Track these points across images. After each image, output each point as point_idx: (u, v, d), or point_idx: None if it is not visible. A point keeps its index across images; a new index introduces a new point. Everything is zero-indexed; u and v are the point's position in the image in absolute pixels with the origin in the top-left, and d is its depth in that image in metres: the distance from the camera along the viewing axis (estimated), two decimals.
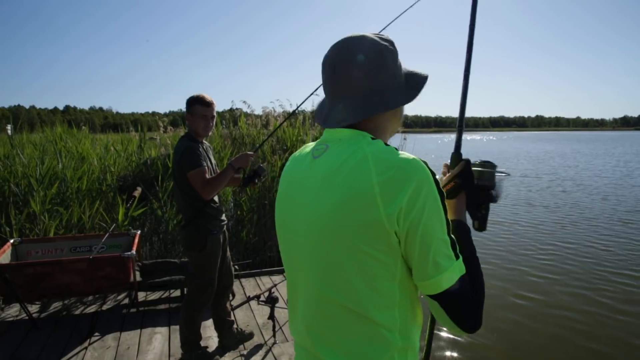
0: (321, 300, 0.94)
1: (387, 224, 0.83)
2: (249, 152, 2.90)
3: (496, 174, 1.14)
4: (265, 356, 3.21)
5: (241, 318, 3.85)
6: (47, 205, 4.89)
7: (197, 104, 2.78)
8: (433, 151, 31.74)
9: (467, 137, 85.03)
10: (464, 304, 0.86)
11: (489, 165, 1.14)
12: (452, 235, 0.87)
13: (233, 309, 3.93)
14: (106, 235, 4.21)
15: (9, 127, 8.18)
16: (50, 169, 5.26)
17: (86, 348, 3.33)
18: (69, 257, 4.09)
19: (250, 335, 3.45)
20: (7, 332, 3.58)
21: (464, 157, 1.13)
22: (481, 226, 1.19)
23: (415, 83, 0.98)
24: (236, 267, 4.70)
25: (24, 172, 5.17)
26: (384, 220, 0.83)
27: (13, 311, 3.94)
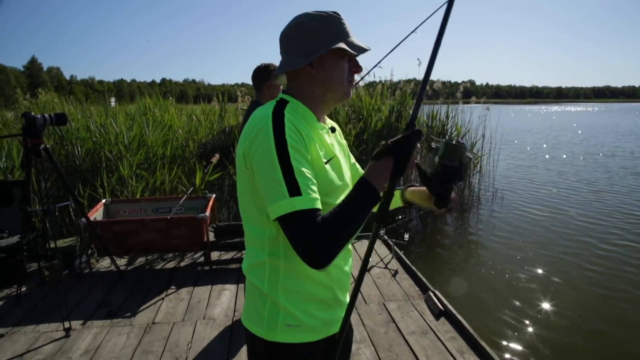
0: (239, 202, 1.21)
1: (243, 160, 1.09)
2: None
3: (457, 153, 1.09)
4: None
5: None
6: (135, 169, 5.33)
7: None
8: (511, 124, 29.64)
9: (566, 108, 78.05)
10: (298, 235, 0.98)
11: (456, 145, 1.08)
12: (299, 177, 1.00)
13: None
14: (183, 198, 4.50)
15: (112, 99, 8.98)
16: (136, 136, 5.69)
17: (163, 299, 3.64)
18: (151, 216, 4.44)
19: None
20: (99, 281, 4.02)
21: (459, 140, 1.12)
22: (439, 203, 1.16)
23: (311, 52, 1.13)
24: None
25: (116, 139, 5.65)
26: (241, 157, 1.10)
27: (105, 263, 4.39)
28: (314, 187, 1.03)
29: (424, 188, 1.33)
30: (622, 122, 34.40)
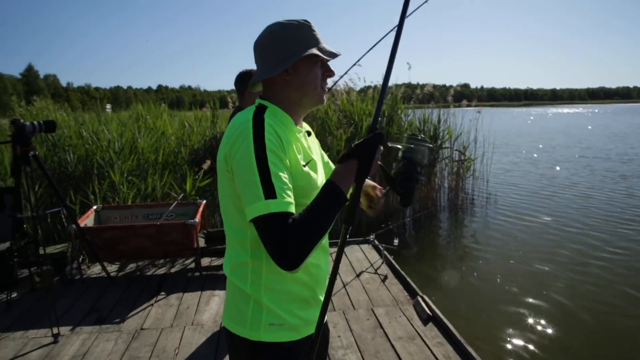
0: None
1: (224, 163, 1.13)
2: None
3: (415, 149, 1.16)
4: None
5: None
6: (126, 176, 5.35)
7: None
8: (505, 126, 29.74)
9: (561, 110, 78.36)
10: (270, 237, 1.01)
11: (417, 140, 1.14)
12: (275, 180, 1.04)
13: None
14: (174, 204, 4.53)
15: (108, 106, 9.00)
16: (127, 143, 5.72)
17: (152, 305, 3.65)
18: (141, 223, 4.46)
19: None
20: (90, 287, 4.03)
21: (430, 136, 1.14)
22: (402, 202, 1.20)
23: (286, 59, 1.17)
24: None
25: (107, 146, 5.68)
26: (222, 160, 1.14)
27: (96, 269, 4.40)
28: (289, 192, 1.07)
29: (365, 185, 1.39)
30: (614, 123, 34.66)
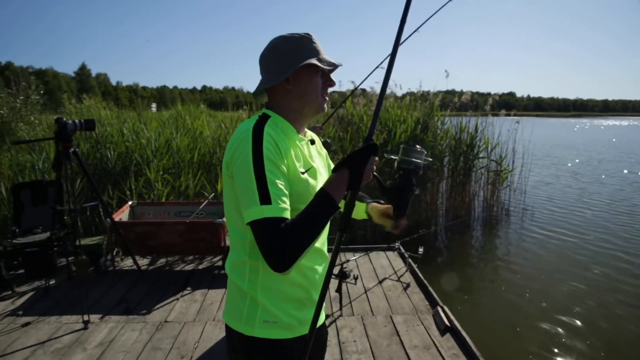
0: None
1: (226, 168, 1.21)
2: (316, 125, 3.01)
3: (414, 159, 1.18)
4: (328, 326, 3.33)
5: None
6: (161, 173, 5.56)
7: None
8: (549, 137, 28.58)
9: (612, 122, 74.84)
10: (263, 240, 1.08)
11: (412, 149, 1.17)
12: (271, 187, 1.10)
13: None
14: (204, 203, 4.67)
15: (153, 105, 9.39)
16: (164, 142, 5.94)
17: (178, 299, 3.79)
18: (171, 219, 4.62)
19: None
20: (121, 279, 4.23)
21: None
22: (397, 212, 1.22)
23: (286, 69, 1.23)
24: None
25: (145, 144, 5.93)
26: (225, 165, 1.22)
27: (129, 262, 4.61)
28: (285, 198, 1.12)
29: (383, 205, 1.41)
30: None
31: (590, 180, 12.93)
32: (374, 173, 1.15)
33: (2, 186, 5.26)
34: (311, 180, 1.26)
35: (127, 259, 4.68)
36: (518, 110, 9.60)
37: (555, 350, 3.91)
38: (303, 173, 1.23)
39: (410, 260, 4.55)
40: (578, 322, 4.40)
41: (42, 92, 9.05)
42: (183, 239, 4.24)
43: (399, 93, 9.07)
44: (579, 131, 41.85)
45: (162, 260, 4.71)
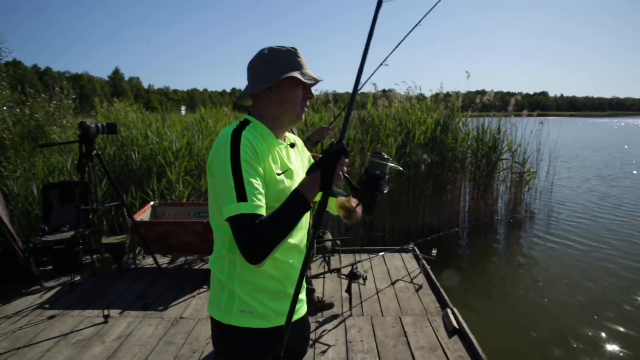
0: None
1: (208, 168, 1.31)
2: (324, 126, 3.10)
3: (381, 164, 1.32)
4: (337, 326, 3.40)
5: (329, 289, 4.10)
6: (183, 175, 5.75)
7: None
8: (580, 138, 27.54)
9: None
10: (239, 234, 1.17)
11: (377, 157, 1.31)
12: (247, 186, 1.19)
13: (310, 277, 4.10)
14: None
15: (183, 108, 9.65)
16: (185, 144, 6.13)
17: (194, 296, 3.93)
18: (190, 219, 4.78)
19: (330, 306, 3.67)
20: (142, 276, 4.40)
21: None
22: (366, 211, 1.35)
23: (269, 79, 1.32)
24: (338, 242, 4.89)
25: (167, 147, 6.13)
26: (207, 166, 1.32)
27: (150, 261, 4.78)
28: (260, 196, 1.23)
29: (341, 198, 1.56)
30: None
31: (622, 185, 12.45)
32: (345, 174, 1.24)
33: (34, 186, 5.55)
34: (287, 181, 1.35)
35: (148, 258, 4.86)
36: (550, 111, 9.30)
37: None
38: (279, 174, 1.33)
39: (424, 261, 4.56)
40: (593, 332, 4.28)
41: (74, 96, 9.42)
42: (201, 238, 4.37)
43: (417, 93, 8.96)
44: (617, 130, 40.35)
45: (182, 259, 4.87)
